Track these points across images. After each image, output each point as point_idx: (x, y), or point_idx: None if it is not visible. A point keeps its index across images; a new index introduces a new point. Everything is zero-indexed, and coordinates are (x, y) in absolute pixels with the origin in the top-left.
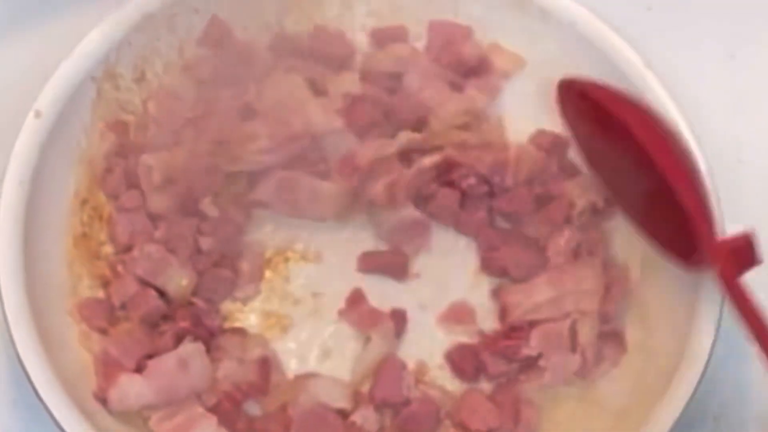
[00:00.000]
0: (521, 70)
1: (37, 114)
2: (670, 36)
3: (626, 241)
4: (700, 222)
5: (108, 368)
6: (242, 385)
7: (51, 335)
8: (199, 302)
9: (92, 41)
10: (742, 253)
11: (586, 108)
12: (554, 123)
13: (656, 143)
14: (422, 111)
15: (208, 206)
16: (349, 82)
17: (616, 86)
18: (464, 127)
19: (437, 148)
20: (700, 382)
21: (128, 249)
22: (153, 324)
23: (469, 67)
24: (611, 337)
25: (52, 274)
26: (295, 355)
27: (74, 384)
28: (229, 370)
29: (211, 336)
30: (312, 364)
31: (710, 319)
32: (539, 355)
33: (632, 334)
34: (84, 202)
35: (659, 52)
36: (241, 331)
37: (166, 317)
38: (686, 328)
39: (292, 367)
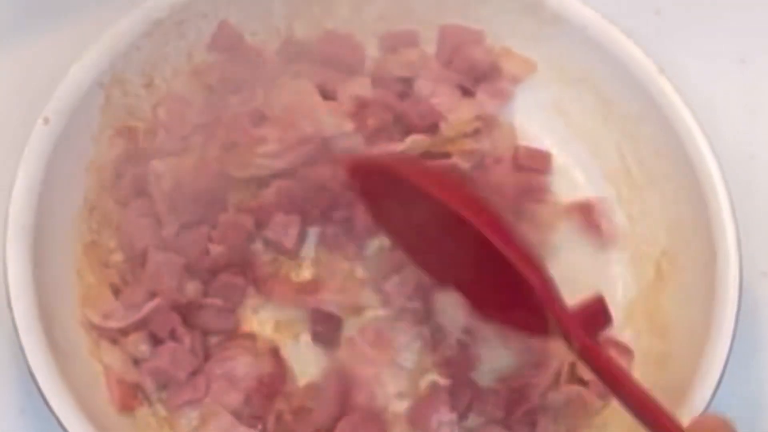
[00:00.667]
0: (532, 76)
1: (46, 120)
2: (679, 39)
3: None
4: (546, 296)
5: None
6: (263, 378)
7: (61, 345)
8: (216, 301)
9: (100, 47)
10: (596, 318)
11: (384, 187)
12: (567, 127)
13: (482, 218)
14: (433, 116)
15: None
16: (359, 86)
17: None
18: (475, 133)
19: (445, 155)
20: (715, 392)
21: (138, 257)
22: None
23: (480, 71)
24: (613, 347)
25: (62, 282)
26: (306, 362)
27: (84, 394)
28: (247, 366)
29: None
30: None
31: (726, 329)
32: None
33: (646, 344)
34: (93, 209)
35: (668, 56)
36: (252, 336)
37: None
38: (702, 338)
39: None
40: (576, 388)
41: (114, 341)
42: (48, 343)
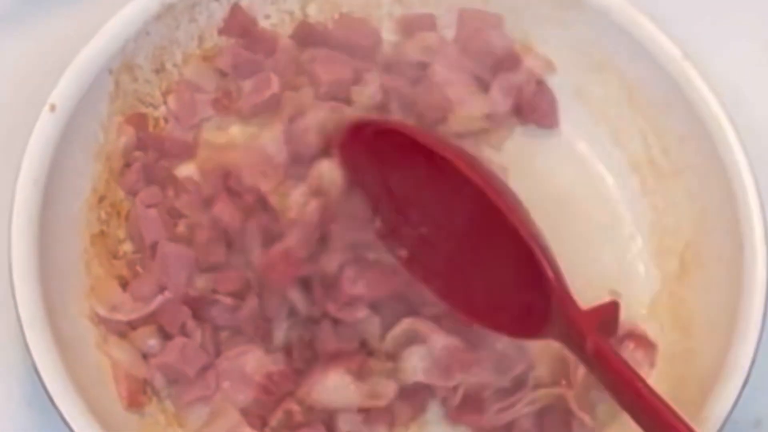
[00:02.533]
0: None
1: (52, 108)
2: (706, 23)
3: None
4: (561, 291)
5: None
6: (273, 375)
7: (67, 339)
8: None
9: (109, 31)
10: (607, 324)
11: (385, 156)
12: (589, 114)
13: (501, 198)
14: (443, 109)
15: None
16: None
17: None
18: (481, 132)
19: None
20: (742, 390)
21: (147, 248)
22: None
23: (497, 57)
24: (633, 340)
25: (68, 275)
26: None
27: (90, 390)
28: (257, 360)
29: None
30: None
31: (753, 325)
32: None
33: (670, 339)
34: (101, 198)
35: (693, 40)
36: None
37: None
38: (727, 333)
39: None
40: None
41: (122, 335)
42: (53, 337)
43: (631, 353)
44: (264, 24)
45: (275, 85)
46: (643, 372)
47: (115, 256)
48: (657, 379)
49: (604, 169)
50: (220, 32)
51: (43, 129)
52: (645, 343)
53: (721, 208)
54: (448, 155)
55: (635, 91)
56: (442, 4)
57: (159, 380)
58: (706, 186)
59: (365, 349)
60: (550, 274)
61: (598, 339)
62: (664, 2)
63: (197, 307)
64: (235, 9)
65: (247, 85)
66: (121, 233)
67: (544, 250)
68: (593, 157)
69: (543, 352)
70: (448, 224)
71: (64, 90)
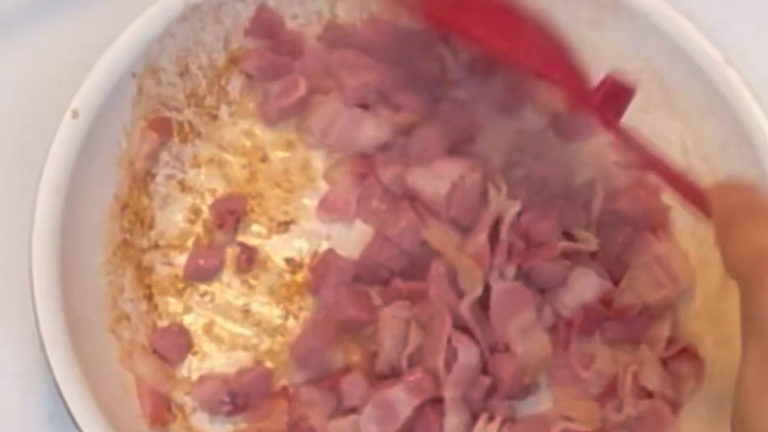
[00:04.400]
0: (591, 63)
1: (74, 114)
2: (749, 27)
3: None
4: (567, 87)
5: None
6: None
7: (89, 354)
8: None
9: (132, 34)
10: (614, 92)
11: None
12: (627, 119)
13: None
14: None
15: None
16: None
17: None
18: None
19: None
20: None
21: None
22: None
23: None
24: (682, 355)
25: (90, 286)
26: None
27: (113, 407)
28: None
29: None
30: None
31: None
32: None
33: (712, 354)
34: (125, 206)
35: (736, 45)
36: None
37: None
38: None
39: None
40: (647, 402)
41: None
42: (74, 353)
43: (677, 367)
44: (291, 24)
45: (302, 88)
46: (689, 387)
47: (139, 266)
48: (702, 395)
49: None
50: (246, 33)
51: (66, 136)
52: (690, 356)
53: None
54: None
55: (675, 96)
56: None
57: (184, 397)
58: None
59: None
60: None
61: (602, 114)
62: (705, 5)
63: None
64: (262, 9)
65: (274, 88)
66: (145, 242)
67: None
68: None
69: None
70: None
71: (86, 96)
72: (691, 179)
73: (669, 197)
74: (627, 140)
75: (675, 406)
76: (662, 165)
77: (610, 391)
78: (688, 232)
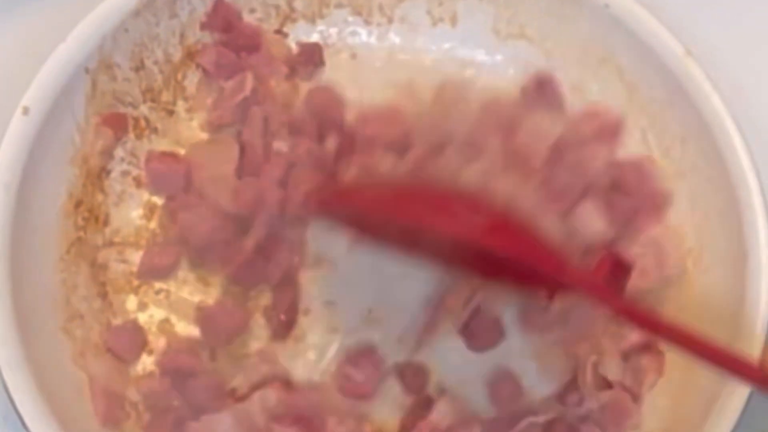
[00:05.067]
0: (552, 57)
1: (25, 111)
2: (709, 17)
3: None
4: (556, 272)
5: None
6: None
7: (40, 353)
8: None
9: (85, 29)
10: (616, 271)
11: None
12: None
13: (467, 223)
14: None
15: None
16: None
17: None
18: None
19: None
20: (748, 401)
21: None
22: None
23: None
24: (642, 347)
25: (42, 285)
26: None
27: (64, 407)
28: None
29: None
30: None
31: (757, 336)
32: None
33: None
34: (78, 203)
35: (696, 36)
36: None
37: None
38: (731, 341)
39: None
40: (608, 393)
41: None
42: (25, 353)
43: (637, 359)
44: (249, 18)
45: (248, 87)
46: (650, 380)
47: (94, 264)
48: (659, 390)
49: None
50: (203, 27)
51: (16, 133)
52: (651, 350)
53: (724, 212)
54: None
55: (635, 88)
56: None
57: (137, 395)
58: (709, 189)
59: None
60: (543, 269)
61: (604, 295)
62: None
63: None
64: (219, 3)
65: (228, 86)
66: (100, 239)
67: (531, 245)
68: None
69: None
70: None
71: (37, 92)
72: (734, 351)
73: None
74: (641, 318)
75: (636, 397)
76: (689, 337)
77: (571, 385)
78: None
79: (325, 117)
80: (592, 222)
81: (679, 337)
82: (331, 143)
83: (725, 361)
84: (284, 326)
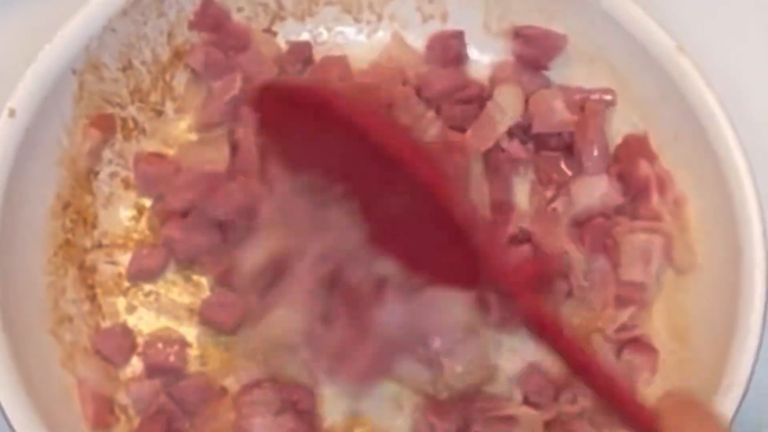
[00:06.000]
0: None
1: (11, 113)
2: (701, 13)
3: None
4: (483, 246)
5: None
6: None
7: (28, 357)
8: None
9: (71, 29)
10: (537, 277)
11: (299, 118)
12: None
13: (405, 148)
14: None
15: None
16: None
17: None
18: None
19: None
20: (743, 398)
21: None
22: None
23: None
24: (635, 345)
25: (30, 288)
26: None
27: (52, 410)
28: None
29: None
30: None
31: (752, 331)
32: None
33: (669, 348)
34: (66, 205)
35: (688, 32)
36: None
37: None
38: (726, 338)
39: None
40: None
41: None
42: (12, 356)
43: (630, 358)
44: (237, 17)
45: (237, 86)
46: (644, 378)
47: (82, 267)
48: (656, 388)
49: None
50: (191, 27)
51: (3, 135)
52: (645, 348)
53: (717, 209)
54: (349, 116)
55: (627, 84)
56: None
57: (126, 398)
58: (703, 185)
59: None
60: (464, 225)
61: (528, 298)
62: None
63: None
64: (207, 2)
65: (217, 86)
66: (88, 241)
67: (465, 208)
68: None
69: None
70: (369, 184)
71: (24, 93)
72: (632, 396)
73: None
74: (545, 325)
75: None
76: (595, 368)
77: (564, 383)
78: None
79: None
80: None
81: (577, 358)
82: None
83: (616, 400)
84: None
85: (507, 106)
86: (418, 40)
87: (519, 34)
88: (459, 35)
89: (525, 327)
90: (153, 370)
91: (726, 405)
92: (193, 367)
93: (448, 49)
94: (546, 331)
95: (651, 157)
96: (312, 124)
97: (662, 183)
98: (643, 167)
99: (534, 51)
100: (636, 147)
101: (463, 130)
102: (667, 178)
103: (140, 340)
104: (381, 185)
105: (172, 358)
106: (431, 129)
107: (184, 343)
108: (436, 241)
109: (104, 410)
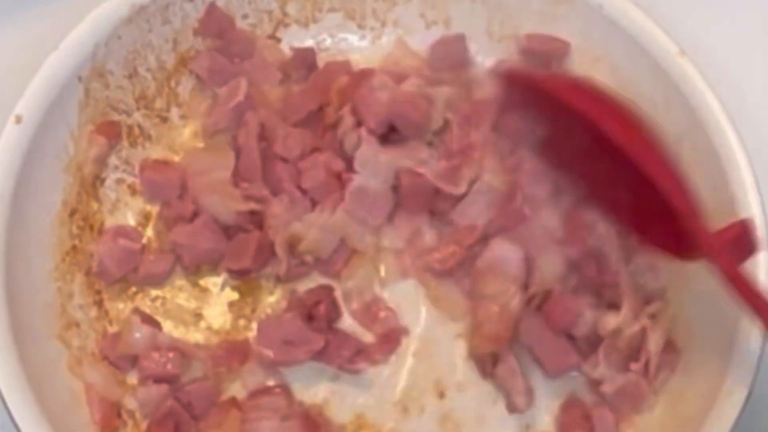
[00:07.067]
0: None
1: (18, 119)
2: (703, 17)
3: None
4: (690, 217)
5: None
6: None
7: (36, 362)
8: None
9: (77, 37)
10: (741, 242)
11: (535, 101)
12: None
13: (628, 137)
14: None
15: None
16: None
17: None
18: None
19: None
20: (744, 406)
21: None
22: None
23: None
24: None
25: (38, 293)
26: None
27: (61, 414)
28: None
29: None
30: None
31: (754, 334)
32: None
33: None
34: (73, 212)
35: (690, 35)
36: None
37: None
38: (726, 344)
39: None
40: (632, 377)
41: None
42: (20, 362)
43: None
44: (242, 24)
45: (242, 92)
46: (663, 376)
47: (89, 273)
48: (657, 399)
49: None
50: (196, 33)
51: (9, 142)
52: (668, 345)
53: (720, 211)
54: (574, 104)
55: (630, 87)
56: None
57: (133, 403)
58: (705, 187)
59: None
60: (672, 198)
61: (723, 260)
62: None
63: None
64: (211, 9)
65: (222, 92)
66: (95, 248)
67: (672, 179)
68: None
69: None
70: (596, 162)
71: (30, 100)
72: None
73: None
74: (748, 293)
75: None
76: None
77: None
78: None
79: None
80: None
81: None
82: None
83: None
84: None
85: None
86: (421, 45)
87: (522, 41)
88: (461, 39)
89: (725, 287)
90: (159, 378)
91: (730, 407)
92: (200, 371)
93: (452, 54)
94: (743, 292)
95: None
96: (553, 110)
97: None
98: None
99: (537, 57)
100: None
101: None
102: None
103: None
104: (606, 165)
105: (169, 366)
106: None
107: (180, 350)
108: (651, 210)
109: (112, 415)
